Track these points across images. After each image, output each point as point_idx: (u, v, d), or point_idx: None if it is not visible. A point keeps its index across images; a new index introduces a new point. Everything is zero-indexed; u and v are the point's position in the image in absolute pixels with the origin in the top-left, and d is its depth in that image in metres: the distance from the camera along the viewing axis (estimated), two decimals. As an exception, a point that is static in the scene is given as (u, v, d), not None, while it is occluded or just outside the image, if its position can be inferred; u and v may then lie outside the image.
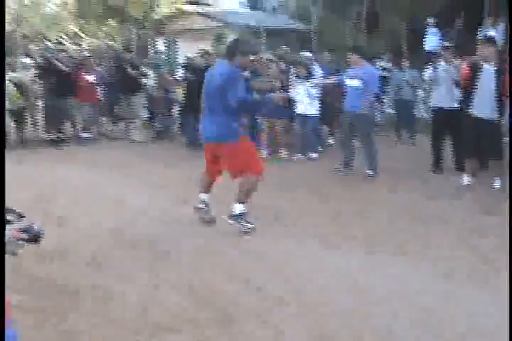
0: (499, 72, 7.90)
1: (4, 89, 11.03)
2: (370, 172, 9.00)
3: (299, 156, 10.75)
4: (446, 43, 10.01)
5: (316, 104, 10.70)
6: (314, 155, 10.74)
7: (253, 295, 4.67)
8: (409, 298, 4.59)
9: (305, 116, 10.72)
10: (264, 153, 10.70)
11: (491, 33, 13.86)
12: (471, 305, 4.46)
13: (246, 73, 8.76)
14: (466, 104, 8.30)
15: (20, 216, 2.35)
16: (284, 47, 14.11)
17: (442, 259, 5.47)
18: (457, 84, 8.60)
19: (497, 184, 8.20)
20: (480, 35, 13.20)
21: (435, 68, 9.36)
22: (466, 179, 8.41)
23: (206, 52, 12.50)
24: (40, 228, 2.32)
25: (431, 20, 15.28)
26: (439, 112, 9.37)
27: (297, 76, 10.77)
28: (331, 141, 11.62)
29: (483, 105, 7.99)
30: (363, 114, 8.87)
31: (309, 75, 10.64)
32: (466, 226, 6.54)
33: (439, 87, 9.26)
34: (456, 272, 5.13)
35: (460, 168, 8.91)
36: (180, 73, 13.16)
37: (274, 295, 4.63)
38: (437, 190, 8.22)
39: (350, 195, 7.99)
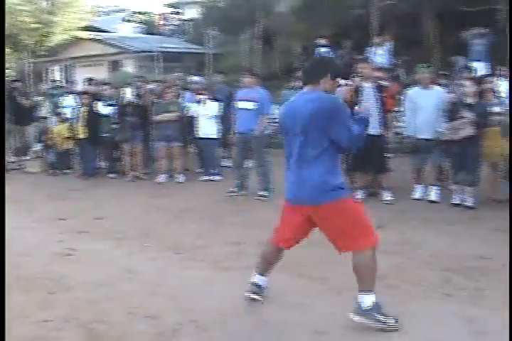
0: (378, 89, 8.25)
1: (4, 90, 10.64)
2: (264, 193, 9.09)
3: (204, 178, 10.84)
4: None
5: (216, 126, 10.83)
6: (217, 177, 10.83)
7: (145, 323, 4.66)
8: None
9: (205, 139, 10.83)
10: (162, 177, 10.76)
11: (380, 51, 14.37)
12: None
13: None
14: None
15: None
16: (177, 73, 14.21)
17: (340, 277, 5.47)
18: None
19: (387, 197, 8.47)
20: (367, 55, 13.63)
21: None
22: (357, 194, 8.63)
23: (90, 79, 12.58)
24: None
25: (321, 41, 15.63)
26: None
27: (197, 101, 10.92)
28: (227, 163, 11.72)
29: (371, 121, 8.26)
30: (257, 135, 9.00)
31: (211, 98, 10.84)
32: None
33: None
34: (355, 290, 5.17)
35: (353, 184, 9.10)
36: (68, 102, 13.05)
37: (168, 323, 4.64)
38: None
39: (246, 219, 8.01)
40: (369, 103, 7.99)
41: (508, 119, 7.82)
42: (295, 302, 4.90)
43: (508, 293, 4.59)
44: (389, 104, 8.51)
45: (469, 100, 7.93)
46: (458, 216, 7.70)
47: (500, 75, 11.04)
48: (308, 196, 4.34)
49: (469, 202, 8.06)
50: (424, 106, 8.39)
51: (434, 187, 8.55)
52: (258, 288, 4.92)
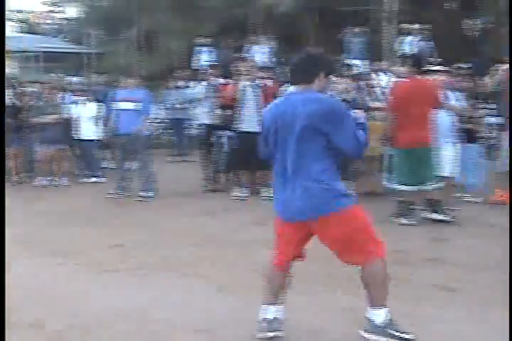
0: (259, 88, 8.40)
1: (4, 90, 9.99)
2: (148, 194, 9.07)
3: (84, 180, 10.72)
4: (212, 62, 10.41)
5: (96, 127, 10.70)
6: (99, 179, 10.72)
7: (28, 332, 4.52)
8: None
9: (85, 141, 10.69)
10: (43, 181, 10.52)
11: (261, 50, 14.53)
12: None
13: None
14: (232, 119, 8.66)
15: None
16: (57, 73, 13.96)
17: (222, 274, 5.55)
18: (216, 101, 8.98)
19: (270, 194, 8.61)
20: (247, 54, 13.78)
21: (200, 86, 9.72)
22: (238, 192, 8.75)
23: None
24: None
25: (201, 41, 15.67)
26: (204, 129, 9.65)
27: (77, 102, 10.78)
28: (109, 164, 11.57)
29: (250, 119, 8.41)
30: (138, 136, 8.94)
31: (92, 99, 10.72)
32: (239, 239, 6.78)
33: (202, 105, 9.56)
34: (236, 286, 5.24)
35: (234, 183, 9.21)
36: None
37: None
38: (212, 207, 8.47)
39: (129, 220, 7.96)
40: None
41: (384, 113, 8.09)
42: (179, 301, 4.88)
43: (508, 293, 4.63)
44: (270, 102, 8.63)
45: (343, 96, 8.17)
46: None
47: (378, 70, 11.42)
48: (311, 208, 3.78)
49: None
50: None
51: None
52: (277, 323, 4.06)
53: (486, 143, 8.61)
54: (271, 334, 4.01)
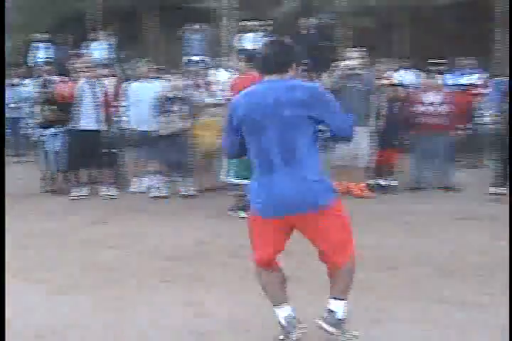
0: (96, 85, 8.33)
1: (4, 90, 8.77)
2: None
3: None
4: (48, 59, 10.16)
5: None
6: None
7: None
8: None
9: None
10: None
11: (100, 46, 14.30)
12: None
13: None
14: (63, 117, 8.52)
15: None
16: None
17: (64, 276, 5.41)
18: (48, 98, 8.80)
19: (110, 192, 8.57)
20: (86, 50, 13.53)
21: (35, 84, 9.47)
22: (77, 192, 8.69)
23: None
24: None
25: (37, 36, 15.18)
26: (36, 127, 9.37)
27: None
28: None
29: (88, 116, 8.30)
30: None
31: None
32: (79, 239, 6.65)
33: (36, 103, 9.33)
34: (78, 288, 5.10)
35: (73, 182, 9.02)
36: None
37: None
38: (51, 208, 8.32)
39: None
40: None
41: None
42: (20, 305, 4.71)
43: (508, 293, 4.61)
44: (109, 99, 8.60)
45: (175, 93, 8.25)
46: (180, 205, 8.02)
47: (218, 66, 11.51)
48: (302, 201, 3.53)
49: (188, 192, 8.47)
50: (144, 100, 8.59)
51: (156, 179, 8.75)
52: (291, 326, 3.83)
53: (323, 136, 8.88)
54: (299, 331, 3.84)
